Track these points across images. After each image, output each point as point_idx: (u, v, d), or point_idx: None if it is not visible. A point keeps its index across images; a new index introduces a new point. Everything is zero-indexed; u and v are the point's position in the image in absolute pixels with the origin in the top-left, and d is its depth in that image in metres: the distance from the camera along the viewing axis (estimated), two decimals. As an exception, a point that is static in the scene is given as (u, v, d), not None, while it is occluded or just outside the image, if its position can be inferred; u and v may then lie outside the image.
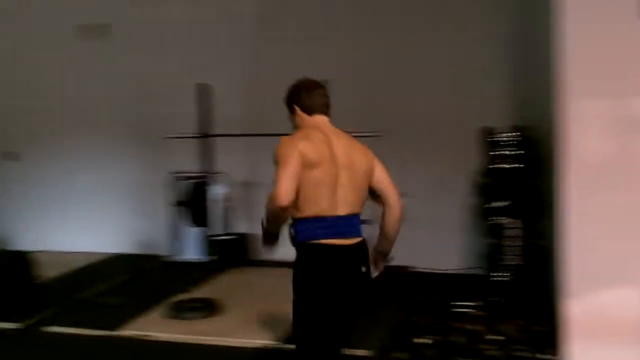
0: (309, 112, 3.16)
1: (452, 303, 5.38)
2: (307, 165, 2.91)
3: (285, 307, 3.24)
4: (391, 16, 6.92)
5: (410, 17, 6.86)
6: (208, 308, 5.42)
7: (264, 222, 3.05)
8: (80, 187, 7.85)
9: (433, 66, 6.80)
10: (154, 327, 5.15)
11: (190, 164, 7.17)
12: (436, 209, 6.71)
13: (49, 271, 6.40)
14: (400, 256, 3.84)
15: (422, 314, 5.31)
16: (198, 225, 6.89)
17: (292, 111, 3.21)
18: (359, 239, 3.08)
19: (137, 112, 7.55)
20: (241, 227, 7.22)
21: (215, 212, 6.96)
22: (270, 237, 3.10)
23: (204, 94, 6.67)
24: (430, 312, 5.34)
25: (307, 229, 2.98)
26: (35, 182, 7.99)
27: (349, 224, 3.04)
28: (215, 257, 6.85)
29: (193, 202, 6.77)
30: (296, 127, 3.20)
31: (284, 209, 2.85)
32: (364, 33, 6.97)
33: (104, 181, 7.76)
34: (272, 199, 2.85)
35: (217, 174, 7.05)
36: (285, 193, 2.82)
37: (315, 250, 2.97)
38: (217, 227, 6.99)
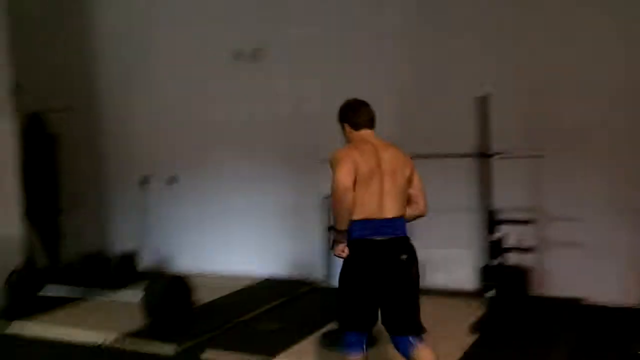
0: (356, 128, 3.75)
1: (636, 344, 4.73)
2: (358, 173, 3.47)
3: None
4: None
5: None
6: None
7: (335, 224, 3.53)
8: (236, 209, 7.87)
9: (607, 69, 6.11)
10: (310, 356, 4.98)
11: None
12: (615, 235, 6.02)
13: (205, 294, 6.44)
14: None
15: (600, 354, 4.71)
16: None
17: (343, 127, 3.80)
18: (402, 236, 3.61)
19: (292, 134, 7.48)
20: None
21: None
22: (341, 235, 3.52)
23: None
24: (609, 353, 4.73)
25: (358, 230, 3.52)
26: (192, 204, 8.14)
27: (394, 225, 3.57)
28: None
29: None
30: (348, 141, 3.77)
31: (347, 192, 3.40)
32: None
33: (260, 203, 7.74)
34: (335, 189, 3.42)
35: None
36: (345, 180, 3.41)
37: (362, 245, 3.53)
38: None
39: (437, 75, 6.76)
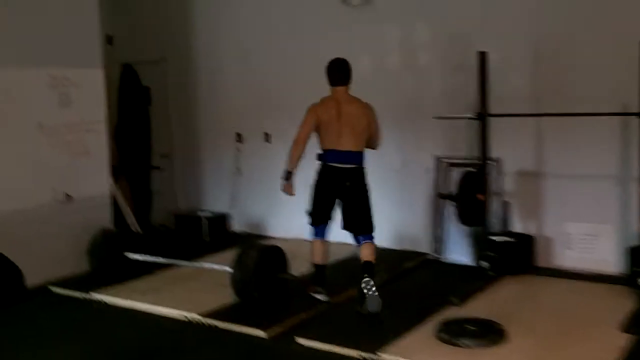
0: (331, 84, 5.11)
1: None
2: (320, 121, 4.99)
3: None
4: None
5: None
6: (489, 334, 4.27)
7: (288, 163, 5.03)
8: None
9: None
10: (422, 352, 4.18)
11: (460, 148, 6.11)
12: None
13: (300, 265, 5.79)
14: None
15: None
16: (468, 223, 5.74)
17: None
18: (354, 165, 5.04)
19: (400, 87, 6.59)
20: (519, 226, 6.02)
21: (490, 207, 5.78)
22: (289, 175, 5.05)
23: (483, 64, 5.49)
24: None
25: (323, 156, 5.05)
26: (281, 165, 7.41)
27: (347, 156, 5.00)
28: (487, 263, 5.65)
29: (463, 195, 5.58)
30: None
31: (299, 142, 4.99)
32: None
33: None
34: (294, 138, 5.03)
35: (493, 162, 5.88)
36: (301, 132, 5.04)
37: (326, 168, 5.07)
38: (490, 226, 5.81)
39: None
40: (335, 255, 6.40)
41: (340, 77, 5.05)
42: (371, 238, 5.11)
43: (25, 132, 6.02)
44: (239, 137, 7.75)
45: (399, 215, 6.70)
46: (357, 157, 5.04)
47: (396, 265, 6.19)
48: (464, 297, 5.06)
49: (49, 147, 6.21)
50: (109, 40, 8.35)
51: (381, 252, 6.62)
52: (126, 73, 8.44)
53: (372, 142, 5.15)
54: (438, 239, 6.36)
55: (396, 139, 6.61)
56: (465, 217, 5.54)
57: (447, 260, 6.26)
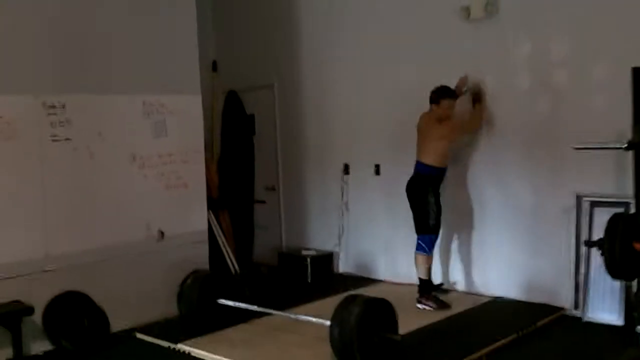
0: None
1: None
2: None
3: None
4: None
5: None
6: None
7: None
8: (453, 208, 6.22)
9: None
10: None
11: (608, 185, 5.11)
12: None
13: (413, 317, 5.01)
14: None
15: None
16: (620, 276, 4.68)
17: None
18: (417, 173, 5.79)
19: (532, 111, 5.63)
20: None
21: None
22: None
23: (639, 83, 4.49)
24: None
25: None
26: (398, 199, 6.56)
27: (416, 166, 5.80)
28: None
29: (614, 242, 4.51)
30: None
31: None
32: None
33: (484, 203, 6.01)
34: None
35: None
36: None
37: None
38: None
39: None
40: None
41: (430, 97, 5.75)
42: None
43: (118, 164, 5.60)
44: (346, 169, 7.05)
45: (530, 262, 5.71)
46: (419, 167, 5.80)
47: (527, 321, 5.21)
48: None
49: (142, 180, 5.75)
50: (213, 66, 7.99)
51: (509, 304, 5.73)
52: (230, 100, 8.01)
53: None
54: (579, 293, 5.33)
55: (528, 173, 5.68)
56: (616, 269, 4.49)
57: (589, 319, 5.20)
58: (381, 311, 4.39)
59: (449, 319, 5.42)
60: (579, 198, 5.32)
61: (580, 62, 5.31)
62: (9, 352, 4.75)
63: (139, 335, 5.39)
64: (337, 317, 4.28)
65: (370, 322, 4.26)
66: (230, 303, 5.33)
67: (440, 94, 5.63)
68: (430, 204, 5.65)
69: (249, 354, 4.74)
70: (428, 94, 5.84)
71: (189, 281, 5.47)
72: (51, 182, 5.16)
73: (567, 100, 5.38)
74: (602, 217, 4.93)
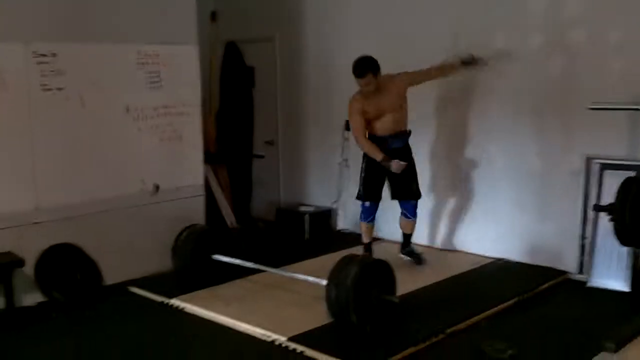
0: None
1: None
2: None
3: None
4: None
5: None
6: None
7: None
8: (462, 169, 6.07)
9: None
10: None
11: (620, 147, 4.96)
12: None
13: (414, 277, 4.93)
14: None
15: None
16: (630, 243, 4.54)
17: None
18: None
19: (544, 72, 5.41)
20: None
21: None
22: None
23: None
24: None
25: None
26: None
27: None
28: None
29: (625, 207, 4.34)
30: None
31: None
32: None
33: (494, 164, 5.84)
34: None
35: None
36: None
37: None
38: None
39: None
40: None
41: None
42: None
43: (112, 115, 5.43)
44: (347, 125, 6.87)
45: (536, 225, 5.59)
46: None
47: (530, 284, 5.11)
48: (620, 342, 3.93)
49: (136, 132, 5.59)
50: (212, 16, 7.74)
51: (512, 266, 5.63)
52: (230, 52, 7.78)
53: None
54: (584, 257, 5.22)
55: (537, 135, 5.51)
56: (626, 235, 4.34)
57: (594, 284, 5.10)
58: (379, 272, 4.27)
59: (449, 280, 5.32)
60: (588, 160, 5.16)
61: (595, 21, 5.09)
62: (0, 303, 4.66)
63: (133, 289, 5.30)
64: (334, 278, 4.17)
65: (368, 283, 4.14)
66: (225, 259, 5.23)
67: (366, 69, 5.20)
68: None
69: (243, 311, 4.64)
70: (433, 47, 5.73)
71: (183, 235, 5.35)
72: (42, 132, 5.01)
73: (581, 61, 5.18)
74: (612, 181, 4.79)
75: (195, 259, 5.21)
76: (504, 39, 5.59)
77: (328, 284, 4.19)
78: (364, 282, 4.12)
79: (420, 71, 5.36)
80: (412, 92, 5.52)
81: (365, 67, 5.13)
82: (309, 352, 3.97)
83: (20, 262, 4.73)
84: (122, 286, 5.34)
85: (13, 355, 4.13)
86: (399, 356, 3.89)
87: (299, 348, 4.02)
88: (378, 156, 5.24)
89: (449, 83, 5.91)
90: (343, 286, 4.07)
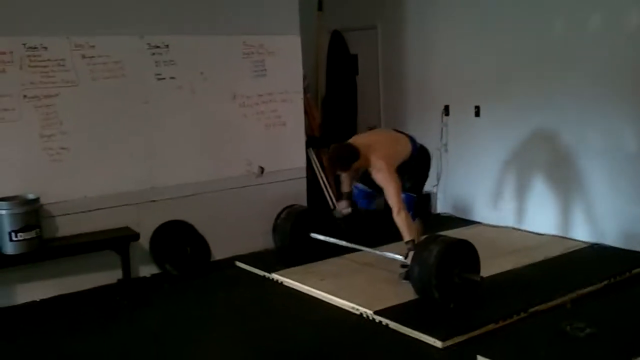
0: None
1: None
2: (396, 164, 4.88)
3: None
4: None
5: None
6: None
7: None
8: (550, 152, 6.07)
9: None
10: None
11: None
12: None
13: (499, 261, 5.01)
14: None
15: None
16: None
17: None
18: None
19: (639, 54, 5.32)
20: None
21: None
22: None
23: None
24: None
25: None
26: (496, 143, 6.54)
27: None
28: None
29: None
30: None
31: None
32: None
33: (585, 150, 5.82)
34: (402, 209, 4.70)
35: None
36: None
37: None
38: None
39: None
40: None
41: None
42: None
43: (220, 102, 5.85)
44: (447, 110, 7.00)
45: (631, 209, 5.53)
46: None
47: (621, 268, 5.09)
48: None
49: (242, 118, 5.99)
50: (319, 5, 8.05)
51: (605, 250, 5.58)
52: (335, 40, 8.06)
53: None
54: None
55: (634, 116, 5.42)
56: None
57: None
58: (463, 252, 4.44)
59: (540, 263, 5.36)
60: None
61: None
62: (119, 273, 5.21)
63: (238, 264, 5.73)
64: (417, 256, 4.38)
65: (450, 262, 4.33)
66: (321, 237, 5.54)
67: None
68: None
69: (336, 286, 4.94)
70: (531, 34, 5.89)
71: (283, 214, 5.72)
72: (157, 118, 5.50)
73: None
74: None
75: (294, 237, 5.57)
76: (601, 17, 5.50)
77: (411, 263, 4.41)
78: (446, 261, 4.30)
79: (390, 196, 4.74)
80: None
81: (342, 162, 4.80)
82: (393, 324, 4.21)
83: (136, 236, 5.25)
84: (229, 261, 5.80)
85: (126, 321, 4.64)
86: (477, 332, 4.04)
87: (384, 321, 4.26)
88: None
89: (551, 66, 5.90)
90: (425, 265, 4.27)
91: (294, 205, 5.89)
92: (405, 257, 4.65)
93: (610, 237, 5.70)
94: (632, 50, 5.34)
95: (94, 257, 5.17)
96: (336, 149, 4.90)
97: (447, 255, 4.31)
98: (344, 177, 5.24)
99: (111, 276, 5.29)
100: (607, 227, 5.73)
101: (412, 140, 5.12)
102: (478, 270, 4.47)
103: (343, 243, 5.40)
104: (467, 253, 4.46)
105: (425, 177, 5.30)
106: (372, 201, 5.31)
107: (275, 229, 5.71)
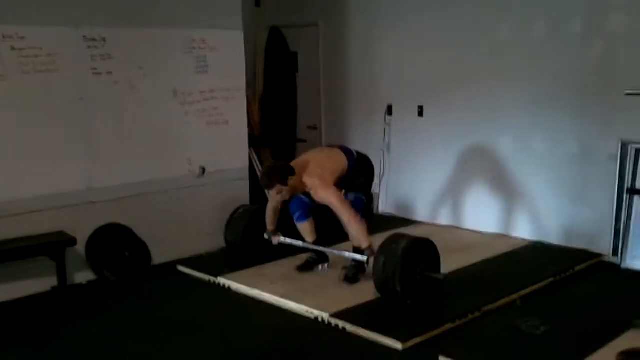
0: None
1: None
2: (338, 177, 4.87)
3: None
4: None
5: None
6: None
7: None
8: (498, 153, 6.09)
9: None
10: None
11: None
12: None
13: (452, 258, 4.97)
14: None
15: None
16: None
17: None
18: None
19: (582, 56, 5.40)
20: None
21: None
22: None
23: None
24: None
25: None
26: (440, 143, 6.53)
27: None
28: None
29: None
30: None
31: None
32: None
33: (529, 148, 5.85)
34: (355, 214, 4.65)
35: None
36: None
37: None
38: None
39: None
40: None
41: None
42: None
43: (160, 99, 5.60)
44: (389, 110, 6.95)
45: (571, 208, 5.63)
46: None
47: (565, 266, 5.15)
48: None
49: (183, 115, 5.76)
50: (256, 1, 7.88)
51: (547, 249, 5.66)
52: (273, 37, 7.90)
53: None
54: (619, 240, 5.22)
55: (574, 120, 5.52)
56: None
57: (628, 267, 5.12)
58: (426, 249, 4.42)
59: (487, 261, 5.38)
60: (624, 145, 5.16)
61: (636, 5, 5.05)
62: (53, 280, 4.90)
63: (180, 268, 5.50)
64: (384, 248, 4.35)
65: (415, 258, 4.30)
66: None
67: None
68: None
69: (288, 289, 4.79)
70: (476, 35, 5.89)
71: (239, 212, 5.56)
72: (93, 115, 5.21)
73: (621, 45, 5.15)
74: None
75: (246, 238, 5.38)
76: (546, 23, 5.56)
77: (378, 253, 4.36)
78: (413, 255, 4.27)
79: (338, 209, 4.65)
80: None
81: (280, 175, 4.61)
82: (350, 327, 4.09)
83: (72, 241, 4.95)
84: (171, 265, 5.55)
85: (63, 331, 4.33)
86: (436, 332, 3.98)
87: (342, 324, 4.14)
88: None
89: (496, 68, 5.94)
90: (393, 255, 4.23)
91: (244, 205, 5.77)
92: (367, 263, 4.58)
93: (552, 235, 5.77)
94: (574, 55, 5.43)
95: (26, 263, 4.85)
96: (272, 164, 4.86)
97: (413, 251, 4.30)
98: (271, 209, 5.10)
99: (44, 283, 4.97)
100: (549, 226, 5.80)
101: (347, 152, 5.02)
102: (439, 269, 4.42)
103: (300, 244, 5.23)
104: (430, 251, 4.45)
105: (370, 181, 5.25)
106: (307, 216, 5.13)
107: (228, 225, 5.51)
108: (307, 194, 4.94)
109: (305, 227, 5.14)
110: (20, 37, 4.76)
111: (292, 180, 4.64)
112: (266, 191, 4.89)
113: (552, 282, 4.89)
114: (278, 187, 4.61)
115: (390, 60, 6.88)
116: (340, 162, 4.93)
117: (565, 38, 5.46)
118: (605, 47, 5.23)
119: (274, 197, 4.84)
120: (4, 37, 4.69)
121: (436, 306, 4.38)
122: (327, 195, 4.63)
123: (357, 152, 5.11)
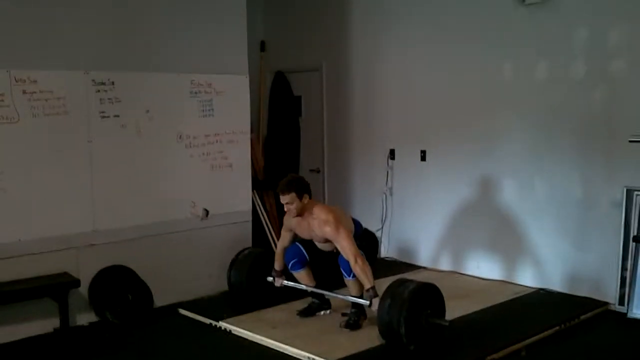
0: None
1: None
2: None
3: None
4: None
5: None
6: None
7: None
8: (500, 199, 6.13)
9: None
10: None
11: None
12: None
13: (456, 305, 4.95)
14: None
15: None
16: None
17: (302, 198, 4.76)
18: None
19: (586, 102, 5.46)
20: None
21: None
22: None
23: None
24: None
25: None
26: (442, 188, 6.57)
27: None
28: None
29: None
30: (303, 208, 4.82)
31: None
32: None
33: (533, 193, 5.88)
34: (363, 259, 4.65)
35: None
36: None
37: None
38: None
39: None
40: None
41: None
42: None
43: (165, 142, 5.65)
44: (392, 154, 7.01)
45: (576, 255, 5.62)
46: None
47: (571, 314, 5.13)
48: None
49: (188, 159, 5.80)
50: (261, 46, 8.01)
51: (553, 296, 5.64)
52: (278, 81, 8.01)
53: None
54: (625, 289, 5.22)
55: (578, 166, 5.54)
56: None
57: (634, 316, 5.10)
58: (432, 295, 4.42)
59: (490, 309, 5.35)
60: (629, 192, 5.19)
61: (638, 50, 5.14)
62: (55, 322, 4.88)
63: (182, 311, 5.47)
64: (390, 291, 4.35)
65: (421, 303, 4.31)
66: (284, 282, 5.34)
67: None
68: None
69: (289, 334, 4.76)
70: (479, 79, 5.93)
71: (244, 252, 5.60)
72: (100, 158, 5.25)
73: (624, 91, 5.22)
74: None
75: (248, 282, 5.39)
76: (547, 67, 5.64)
77: (384, 296, 4.35)
78: (419, 299, 4.28)
79: (345, 247, 4.68)
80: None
81: (290, 184, 4.77)
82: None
83: (76, 283, 4.95)
84: (172, 308, 5.53)
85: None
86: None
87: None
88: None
89: (499, 113, 6.02)
90: (399, 298, 4.23)
91: (248, 248, 5.81)
92: (370, 305, 4.55)
93: (556, 283, 5.76)
94: (578, 98, 5.48)
95: (29, 304, 4.83)
96: (297, 175, 5.17)
97: (420, 295, 4.30)
98: (281, 248, 5.22)
99: (46, 325, 4.95)
100: (553, 272, 5.79)
101: (355, 221, 5.18)
102: (443, 315, 4.42)
103: (302, 287, 5.22)
104: (436, 297, 4.45)
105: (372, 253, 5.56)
106: (302, 265, 5.15)
107: (232, 265, 5.53)
108: (306, 243, 5.00)
109: (302, 275, 5.16)
110: (32, 81, 4.83)
111: (305, 200, 4.75)
112: (280, 196, 4.83)
113: (557, 331, 4.86)
114: (292, 195, 4.71)
115: (393, 104, 6.97)
116: (350, 223, 5.02)
117: (568, 83, 5.52)
118: (608, 92, 5.29)
119: (287, 215, 4.94)
120: (16, 80, 4.76)
121: (440, 354, 4.35)
122: (337, 232, 4.66)
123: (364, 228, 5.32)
